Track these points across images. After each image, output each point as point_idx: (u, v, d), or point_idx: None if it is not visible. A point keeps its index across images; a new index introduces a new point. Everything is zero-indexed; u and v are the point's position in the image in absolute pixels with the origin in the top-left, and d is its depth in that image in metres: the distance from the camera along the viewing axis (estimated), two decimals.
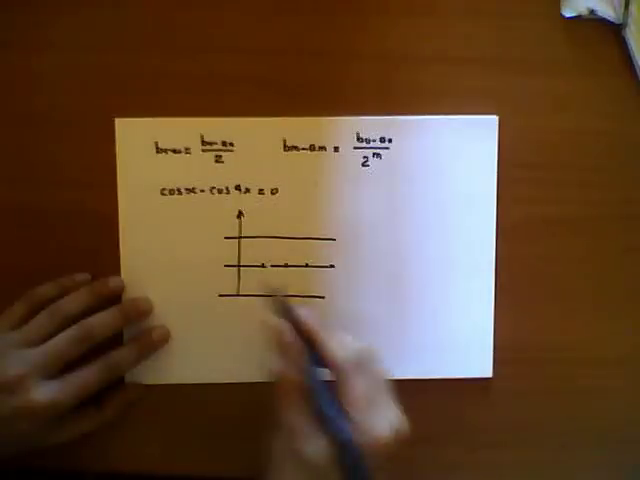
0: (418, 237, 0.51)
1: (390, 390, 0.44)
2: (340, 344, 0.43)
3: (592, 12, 0.50)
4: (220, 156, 0.50)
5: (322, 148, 0.50)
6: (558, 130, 0.51)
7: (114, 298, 0.50)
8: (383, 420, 0.42)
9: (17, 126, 0.50)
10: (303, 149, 0.50)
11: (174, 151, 0.50)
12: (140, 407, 0.51)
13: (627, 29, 0.50)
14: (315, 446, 0.41)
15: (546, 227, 0.52)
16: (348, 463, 0.40)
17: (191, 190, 0.50)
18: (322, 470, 0.40)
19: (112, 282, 0.50)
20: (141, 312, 0.50)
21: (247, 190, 0.50)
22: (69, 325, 0.47)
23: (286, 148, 0.50)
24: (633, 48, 0.50)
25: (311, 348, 0.44)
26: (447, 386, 0.51)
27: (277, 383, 0.43)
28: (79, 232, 0.50)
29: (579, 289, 0.52)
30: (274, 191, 0.50)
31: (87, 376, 0.46)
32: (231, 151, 0.50)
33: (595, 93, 0.51)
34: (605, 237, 0.52)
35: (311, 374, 0.43)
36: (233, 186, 0.50)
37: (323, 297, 0.51)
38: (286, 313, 0.45)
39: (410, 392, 0.50)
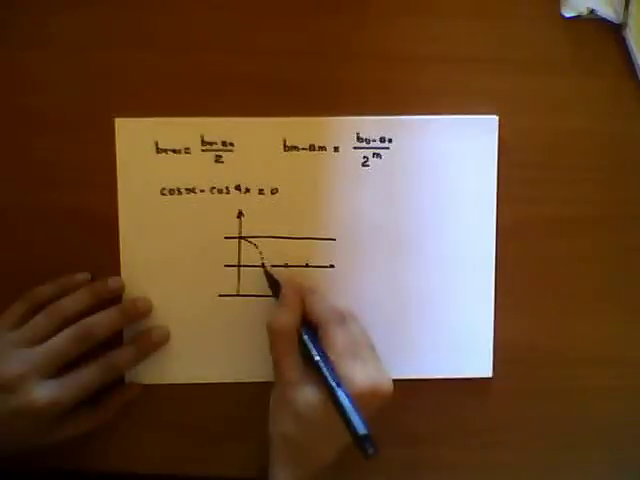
0: (418, 237, 0.51)
1: (373, 347, 0.48)
2: (324, 304, 0.48)
3: (592, 12, 0.50)
4: (220, 156, 0.50)
5: (322, 148, 0.50)
6: (558, 130, 0.51)
7: (114, 298, 0.50)
8: (363, 372, 0.44)
9: (17, 126, 0.50)
10: (303, 149, 0.50)
11: (174, 151, 0.50)
12: (140, 407, 0.51)
13: (627, 29, 0.50)
14: (305, 395, 0.44)
15: (546, 227, 0.52)
16: (340, 405, 0.43)
17: (191, 190, 0.50)
18: (311, 417, 0.44)
19: (112, 282, 0.50)
20: (141, 312, 0.50)
21: (247, 190, 0.50)
22: (69, 325, 0.47)
23: (286, 148, 0.50)
24: (633, 48, 0.50)
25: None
26: (447, 386, 0.51)
27: (274, 337, 0.46)
28: (79, 232, 0.50)
29: (579, 289, 0.52)
30: (274, 191, 0.50)
31: (86, 376, 0.46)
32: (231, 151, 0.50)
33: (595, 93, 0.51)
34: (605, 237, 0.52)
35: (304, 328, 0.47)
36: (233, 186, 0.50)
37: None
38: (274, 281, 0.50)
39: (410, 392, 0.50)
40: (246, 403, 0.51)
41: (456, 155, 0.51)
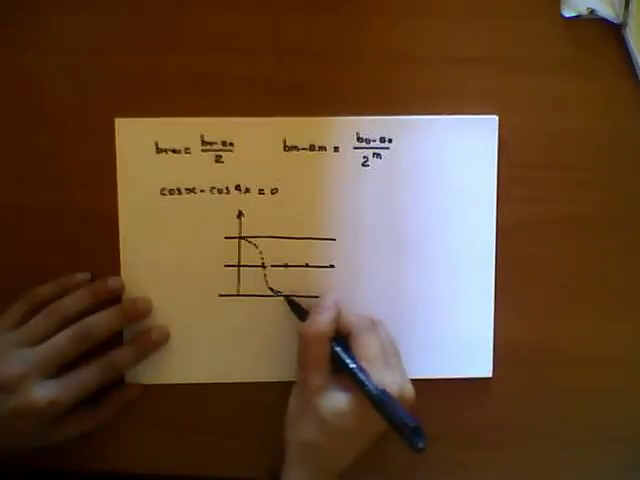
0: (418, 237, 0.51)
1: (399, 354, 0.48)
2: (353, 312, 0.48)
3: (592, 12, 0.50)
4: (220, 156, 0.50)
5: (322, 148, 0.50)
6: (558, 130, 0.51)
7: (114, 298, 0.50)
8: (391, 378, 0.45)
9: (17, 126, 0.50)
10: (303, 149, 0.50)
11: (174, 151, 0.50)
12: (140, 407, 0.51)
13: (627, 29, 0.50)
14: (333, 402, 0.45)
15: (546, 227, 0.52)
16: (385, 404, 0.43)
17: (191, 190, 0.50)
18: (337, 424, 0.44)
19: (112, 282, 0.50)
20: (140, 312, 0.50)
21: (247, 190, 0.50)
22: (69, 325, 0.47)
23: (286, 148, 0.50)
24: (633, 48, 0.50)
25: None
26: (447, 386, 0.51)
27: (308, 343, 0.46)
28: (79, 232, 0.50)
29: (579, 289, 0.52)
30: (274, 191, 0.50)
31: (86, 376, 0.46)
32: (231, 151, 0.50)
33: (595, 93, 0.51)
34: (605, 237, 0.52)
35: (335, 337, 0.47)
36: (233, 186, 0.50)
37: None
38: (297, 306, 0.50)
39: None
40: (246, 403, 0.51)
41: (456, 155, 0.51)
